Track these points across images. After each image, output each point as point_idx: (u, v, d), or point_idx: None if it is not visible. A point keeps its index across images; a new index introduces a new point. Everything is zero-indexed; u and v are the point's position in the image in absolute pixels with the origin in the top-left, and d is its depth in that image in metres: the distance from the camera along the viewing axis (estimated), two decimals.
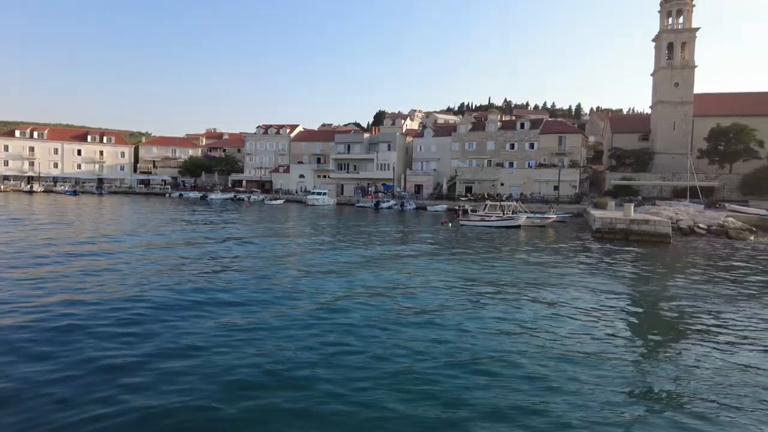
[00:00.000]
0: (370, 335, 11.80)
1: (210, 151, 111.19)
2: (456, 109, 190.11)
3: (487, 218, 44.72)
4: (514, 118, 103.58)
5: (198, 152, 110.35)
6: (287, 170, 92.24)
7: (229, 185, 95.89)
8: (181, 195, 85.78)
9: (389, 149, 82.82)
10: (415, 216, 57.65)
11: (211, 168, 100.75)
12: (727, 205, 53.79)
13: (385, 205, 68.12)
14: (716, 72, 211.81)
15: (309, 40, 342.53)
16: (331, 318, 13.16)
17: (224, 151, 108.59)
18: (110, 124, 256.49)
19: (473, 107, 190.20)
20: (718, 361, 10.75)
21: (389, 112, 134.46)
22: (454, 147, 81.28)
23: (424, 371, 9.62)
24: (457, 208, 55.42)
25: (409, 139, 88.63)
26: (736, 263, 25.47)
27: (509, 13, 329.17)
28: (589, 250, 29.16)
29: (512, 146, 77.83)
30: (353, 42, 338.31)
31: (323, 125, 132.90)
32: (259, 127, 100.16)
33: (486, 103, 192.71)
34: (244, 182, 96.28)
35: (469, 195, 72.25)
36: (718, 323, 13.77)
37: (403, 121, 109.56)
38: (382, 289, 17.02)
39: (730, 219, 42.39)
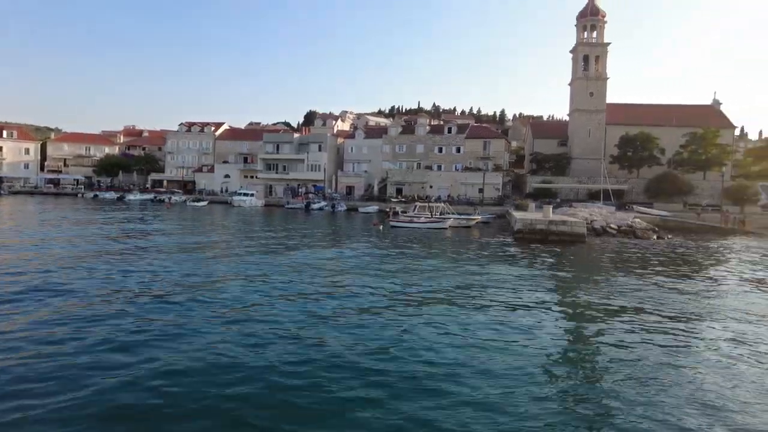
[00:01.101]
0: (289, 339, 11.40)
1: (128, 149, 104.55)
2: (387, 111, 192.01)
3: (416, 219, 45.39)
4: (442, 122, 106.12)
5: (115, 150, 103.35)
6: (212, 170, 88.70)
7: (149, 185, 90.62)
8: (95, 196, 79.81)
9: (320, 150, 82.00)
10: (347, 217, 57.42)
11: (130, 167, 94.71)
12: (634, 207, 58.12)
13: (316, 206, 67.30)
14: (626, 84, 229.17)
15: (235, 36, 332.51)
16: (249, 323, 12.62)
17: (144, 149, 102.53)
18: (13, 117, 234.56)
19: (403, 110, 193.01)
20: (631, 351, 11.40)
21: (320, 112, 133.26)
22: (385, 149, 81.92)
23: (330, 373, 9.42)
24: (388, 209, 55.88)
25: (340, 140, 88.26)
26: (642, 260, 27.48)
27: (438, 21, 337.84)
28: (510, 250, 30.29)
29: (440, 150, 79.69)
30: (283, 40, 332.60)
31: (251, 124, 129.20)
32: (182, 124, 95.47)
33: (416, 106, 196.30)
34: (165, 182, 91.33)
35: (399, 196, 73.09)
36: (629, 315, 14.68)
37: (334, 122, 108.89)
38: (311, 292, 16.62)
39: (637, 220, 45.85)
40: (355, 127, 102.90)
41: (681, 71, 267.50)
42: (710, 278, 22.75)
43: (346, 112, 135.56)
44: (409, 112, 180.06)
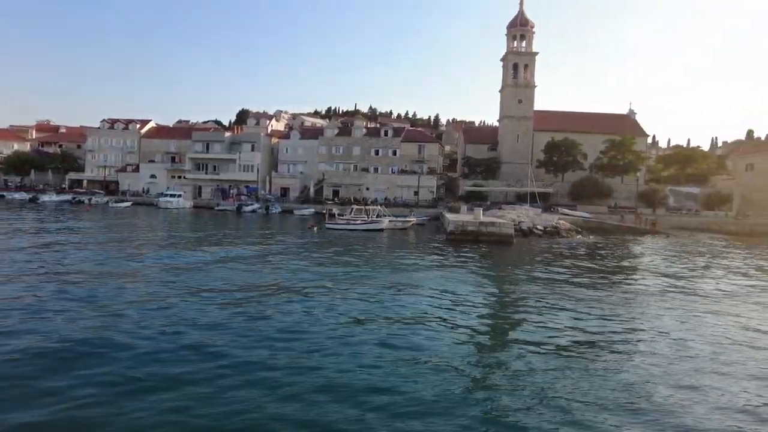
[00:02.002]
0: (215, 347, 10.93)
1: (42, 146, 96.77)
2: (323, 112, 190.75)
3: (353, 222, 45.30)
4: (378, 125, 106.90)
5: (26, 147, 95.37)
6: (136, 170, 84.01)
7: (66, 186, 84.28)
8: (2, 196, 73.14)
9: (253, 150, 79.92)
10: (281, 220, 56.32)
11: (44, 165, 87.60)
12: (559, 209, 61.28)
13: (248, 208, 65.45)
14: (553, 91, 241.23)
15: (164, 30, 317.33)
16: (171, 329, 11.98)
17: (61, 146, 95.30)
18: None
19: (340, 112, 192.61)
20: (551, 347, 11.90)
21: (253, 111, 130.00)
22: (321, 150, 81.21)
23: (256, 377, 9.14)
24: (324, 211, 55.40)
25: (274, 140, 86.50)
26: (565, 259, 28.95)
27: (375, 24, 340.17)
28: (443, 251, 30.92)
29: (377, 152, 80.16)
30: (215, 36, 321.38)
31: (179, 122, 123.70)
32: (104, 121, 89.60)
33: (353, 108, 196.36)
34: (85, 182, 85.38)
35: (336, 199, 72.69)
36: (555, 311, 15.37)
37: (268, 122, 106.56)
38: (238, 297, 16.05)
39: (562, 221, 48.31)
40: (290, 127, 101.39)
41: (614, 80, 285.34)
42: (627, 274, 24.38)
43: (281, 111, 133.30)
44: (346, 113, 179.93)
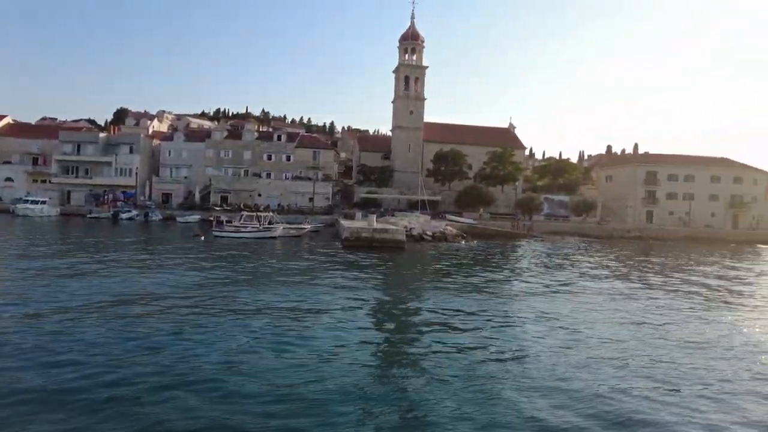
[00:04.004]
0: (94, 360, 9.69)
1: None
2: (211, 114, 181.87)
3: (243, 229, 43.49)
4: (271, 129, 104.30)
5: None
6: None
7: None
8: None
9: (132, 152, 73.67)
10: (163, 227, 52.47)
11: None
12: (447, 215, 64.33)
13: (125, 215, 60.08)
14: (442, 104, 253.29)
15: (26, 19, 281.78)
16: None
17: None
18: None
19: (230, 114, 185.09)
20: (449, 343, 12.26)
21: (133, 110, 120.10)
22: (208, 154, 77.17)
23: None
24: (211, 218, 52.59)
25: (156, 142, 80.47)
26: (452, 261, 30.38)
27: (268, 26, 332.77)
28: (338, 257, 30.83)
29: (269, 157, 78.09)
30: (93, 30, 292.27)
31: (44, 119, 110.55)
32: None
33: (244, 111, 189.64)
34: None
35: (224, 205, 69.39)
36: (444, 310, 15.91)
37: (149, 122, 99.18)
38: (108, 311, 14.48)
39: (449, 227, 50.69)
40: (174, 128, 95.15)
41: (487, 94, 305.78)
42: (508, 274, 26.11)
43: (165, 112, 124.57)
44: (237, 116, 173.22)
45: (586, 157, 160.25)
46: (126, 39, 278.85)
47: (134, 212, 61.84)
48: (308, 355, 11.33)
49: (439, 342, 12.94)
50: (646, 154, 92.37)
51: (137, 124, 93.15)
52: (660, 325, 15.87)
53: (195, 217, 61.06)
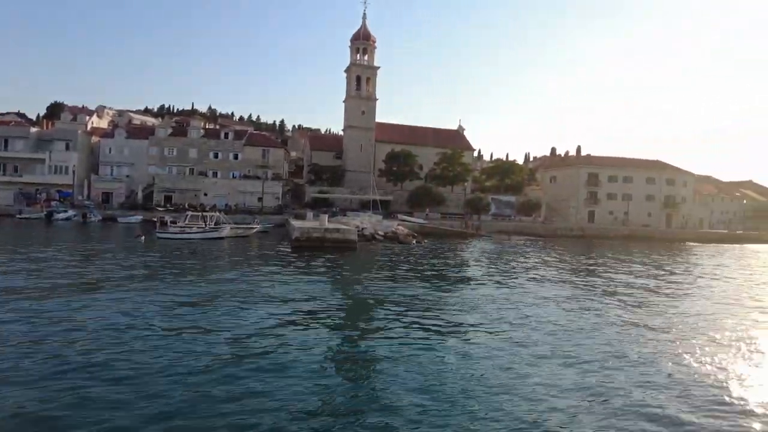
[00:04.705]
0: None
1: None
2: (155, 110, 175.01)
3: (188, 230, 42.01)
4: (218, 126, 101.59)
5: None
6: None
7: None
8: None
9: (68, 149, 69.65)
10: (102, 229, 49.94)
11: None
12: (398, 215, 64.75)
13: (61, 216, 56.69)
14: (393, 104, 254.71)
15: None
16: None
17: None
18: None
19: (175, 111, 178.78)
20: (403, 339, 12.24)
21: (69, 105, 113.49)
22: (152, 152, 74.12)
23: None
24: (155, 219, 50.54)
25: (95, 138, 76.39)
26: (403, 261, 30.54)
27: (216, 21, 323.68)
28: (287, 258, 30.32)
29: (216, 155, 75.93)
30: (26, 17, 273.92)
31: None
32: None
33: (189, 108, 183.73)
34: None
35: (168, 205, 66.80)
36: (398, 308, 15.91)
37: (88, 118, 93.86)
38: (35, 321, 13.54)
39: (400, 227, 51.01)
40: (115, 124, 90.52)
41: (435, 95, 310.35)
42: (458, 272, 26.51)
43: (105, 107, 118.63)
44: (182, 113, 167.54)
45: (531, 159, 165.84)
46: (63, 28, 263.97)
47: (71, 212, 58.49)
48: (250, 358, 11.00)
49: (390, 339, 12.92)
50: (588, 156, 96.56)
51: (74, 119, 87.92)
52: (590, 310, 16.59)
53: (137, 218, 58.52)
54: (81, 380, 9.24)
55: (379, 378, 10.28)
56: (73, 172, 68.51)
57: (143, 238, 38.64)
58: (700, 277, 30.51)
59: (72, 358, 10.44)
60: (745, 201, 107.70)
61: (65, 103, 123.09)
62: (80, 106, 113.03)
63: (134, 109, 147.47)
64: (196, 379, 9.63)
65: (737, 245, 68.80)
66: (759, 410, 9.21)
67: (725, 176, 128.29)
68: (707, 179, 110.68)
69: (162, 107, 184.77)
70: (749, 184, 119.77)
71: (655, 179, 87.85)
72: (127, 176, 72.18)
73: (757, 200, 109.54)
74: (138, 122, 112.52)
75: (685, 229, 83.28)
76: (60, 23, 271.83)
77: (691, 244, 67.14)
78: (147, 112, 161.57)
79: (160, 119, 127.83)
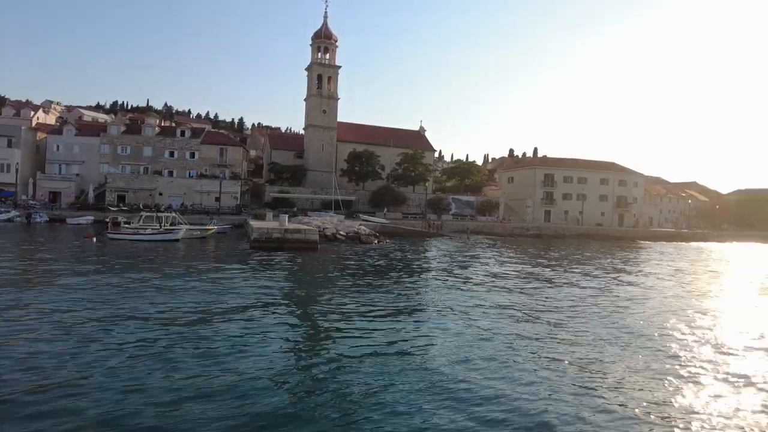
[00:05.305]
0: None
1: None
2: (108, 107, 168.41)
3: (142, 231, 40.52)
4: (175, 124, 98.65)
5: None
6: None
7: None
8: None
9: (10, 145, 65.95)
10: (49, 230, 47.47)
11: None
12: (360, 215, 64.61)
13: (1, 216, 53.62)
14: (357, 105, 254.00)
15: None
16: None
17: None
18: None
19: (129, 107, 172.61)
20: (364, 338, 12.15)
21: (12, 99, 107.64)
22: (104, 150, 71.23)
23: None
24: (107, 219, 48.55)
25: (41, 135, 72.69)
26: (365, 260, 30.47)
27: (172, 15, 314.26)
28: (246, 260, 29.67)
29: (172, 154, 73.70)
30: None
31: None
32: None
33: (144, 105, 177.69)
34: None
35: (121, 205, 64.33)
36: (359, 308, 15.82)
37: (33, 113, 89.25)
38: None
39: (362, 227, 50.90)
40: (64, 121, 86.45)
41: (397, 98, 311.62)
42: (419, 271, 26.65)
43: (52, 102, 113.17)
44: (137, 110, 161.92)
45: (490, 160, 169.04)
46: (2, 17, 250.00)
47: (13, 213, 55.34)
48: (208, 364, 10.69)
49: (352, 339, 12.84)
50: (545, 157, 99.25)
51: (18, 114, 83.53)
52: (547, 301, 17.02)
53: (88, 218, 55.94)
54: None
55: (334, 380, 10.17)
56: (16, 170, 64.92)
57: (94, 239, 37.07)
58: (654, 273, 31.85)
59: None
60: (690, 201, 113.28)
61: (7, 97, 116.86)
62: (24, 100, 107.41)
63: (85, 105, 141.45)
64: (134, 386, 9.26)
65: (683, 243, 72.27)
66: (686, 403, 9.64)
67: (672, 177, 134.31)
68: (657, 180, 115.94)
69: (115, 104, 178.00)
70: (694, 185, 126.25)
71: (608, 180, 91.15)
72: (77, 175, 69.08)
73: (700, 200, 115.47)
74: (89, 119, 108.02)
75: (637, 227, 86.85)
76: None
77: (642, 242, 70.04)
78: (99, 108, 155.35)
79: (112, 116, 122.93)
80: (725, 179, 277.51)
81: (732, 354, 13.18)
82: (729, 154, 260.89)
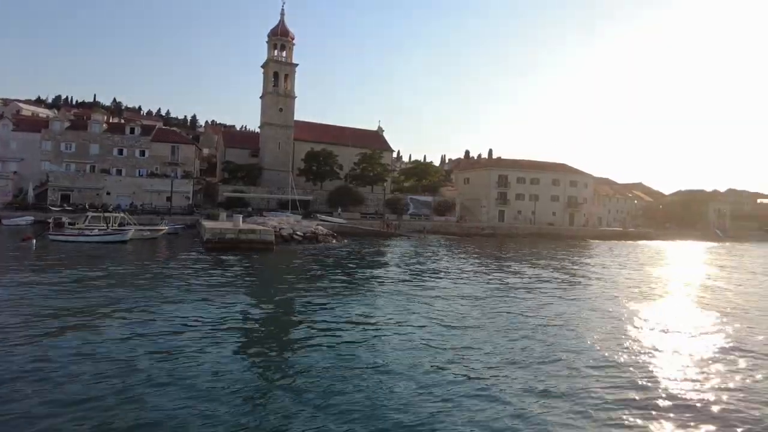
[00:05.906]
0: None
1: None
2: (50, 101, 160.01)
3: (87, 232, 38.70)
4: (123, 121, 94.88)
5: None
6: None
7: None
8: None
9: None
10: None
11: None
12: (318, 215, 64.09)
13: None
14: (316, 105, 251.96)
15: None
16: None
17: None
18: None
19: (74, 102, 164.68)
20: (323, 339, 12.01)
21: None
22: (45, 146, 67.52)
23: None
24: (49, 220, 46.11)
25: None
26: (322, 261, 30.24)
27: (122, 8, 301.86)
28: (199, 261, 28.85)
29: (121, 152, 70.68)
30: None
31: None
32: None
33: (91, 100, 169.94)
34: None
35: (65, 205, 61.23)
36: (315, 308, 15.65)
37: None
38: None
39: (320, 227, 50.48)
40: (0, 115, 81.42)
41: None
42: (376, 271, 26.68)
43: None
44: (82, 105, 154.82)
45: (447, 161, 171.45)
46: None
47: None
48: (144, 375, 10.31)
49: (307, 340, 12.70)
50: (499, 159, 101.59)
51: None
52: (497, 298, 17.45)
53: (28, 219, 52.92)
54: None
55: (291, 385, 10.03)
56: None
57: (34, 241, 35.02)
58: (604, 268, 33.14)
59: None
60: (636, 201, 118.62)
61: None
62: None
63: (24, 99, 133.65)
64: (73, 403, 8.83)
65: (630, 242, 75.60)
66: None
67: (620, 178, 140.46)
68: (605, 181, 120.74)
69: (58, 98, 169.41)
70: (640, 186, 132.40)
71: (559, 181, 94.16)
72: (15, 173, 65.26)
73: (645, 200, 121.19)
74: (29, 113, 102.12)
75: (586, 227, 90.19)
76: None
77: (591, 240, 72.79)
78: (40, 102, 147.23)
79: (55, 111, 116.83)
80: (668, 180, 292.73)
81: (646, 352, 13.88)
82: (672, 155, 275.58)
